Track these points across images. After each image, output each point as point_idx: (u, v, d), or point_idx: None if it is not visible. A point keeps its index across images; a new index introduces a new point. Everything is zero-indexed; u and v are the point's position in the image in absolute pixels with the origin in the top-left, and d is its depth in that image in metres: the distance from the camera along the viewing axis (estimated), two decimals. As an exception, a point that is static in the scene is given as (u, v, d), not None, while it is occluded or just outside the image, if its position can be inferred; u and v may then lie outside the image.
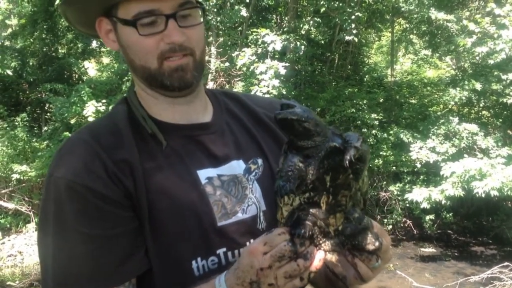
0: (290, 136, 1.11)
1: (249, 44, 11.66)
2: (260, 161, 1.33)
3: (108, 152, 1.17)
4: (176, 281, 1.18)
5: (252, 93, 9.77)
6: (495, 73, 11.16)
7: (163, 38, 1.19)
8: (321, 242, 1.09)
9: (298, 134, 1.08)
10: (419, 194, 10.49)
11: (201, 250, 1.19)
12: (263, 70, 10.09)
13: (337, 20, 11.65)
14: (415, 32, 14.54)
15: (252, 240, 1.23)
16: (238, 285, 1.07)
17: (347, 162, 1.02)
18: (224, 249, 1.21)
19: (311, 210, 1.09)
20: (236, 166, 1.30)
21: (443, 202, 10.33)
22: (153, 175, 1.19)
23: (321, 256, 1.08)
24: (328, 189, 1.08)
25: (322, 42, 13.62)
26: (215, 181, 1.25)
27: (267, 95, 9.85)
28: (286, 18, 13.52)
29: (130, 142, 1.21)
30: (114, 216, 1.15)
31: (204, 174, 1.24)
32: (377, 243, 1.11)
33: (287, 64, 10.48)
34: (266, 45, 10.56)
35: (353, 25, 11.53)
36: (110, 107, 1.40)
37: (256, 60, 10.54)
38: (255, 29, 11.42)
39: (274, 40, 10.48)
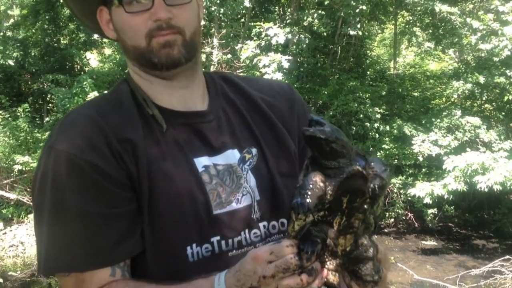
0: (315, 153, 1.09)
1: (252, 36, 11.62)
2: (254, 150, 1.32)
3: (114, 130, 1.17)
4: (170, 265, 1.18)
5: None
6: (502, 69, 11.12)
7: (150, 16, 1.19)
8: (327, 260, 1.09)
9: (324, 153, 1.07)
10: (422, 189, 10.48)
11: (196, 237, 1.19)
12: (266, 64, 10.07)
13: (341, 13, 11.61)
14: (418, 24, 14.47)
15: (247, 230, 1.24)
16: (237, 287, 1.07)
17: (370, 190, 1.02)
18: (218, 238, 1.21)
19: (322, 227, 1.08)
20: (231, 156, 1.29)
21: (446, 196, 10.34)
22: (155, 159, 1.19)
23: (325, 275, 1.08)
24: (343, 210, 1.07)
25: (325, 34, 13.56)
26: (211, 170, 1.25)
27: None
28: (289, 10, 13.46)
29: (136, 122, 1.21)
30: (114, 195, 1.14)
31: (200, 162, 1.24)
32: (376, 277, 1.11)
33: (290, 58, 10.45)
34: (269, 37, 10.53)
35: (357, 19, 11.48)
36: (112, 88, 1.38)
37: (259, 53, 10.51)
38: (258, 22, 11.39)
39: (277, 33, 10.45)
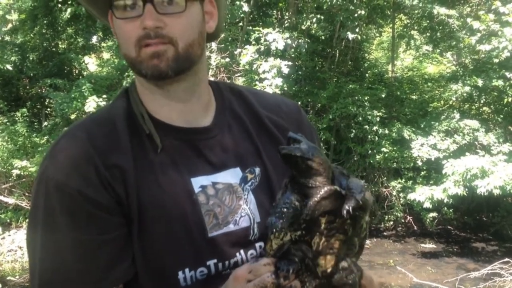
0: (293, 171, 1.09)
1: (250, 41, 11.63)
2: (257, 170, 1.28)
3: (102, 156, 1.14)
4: None
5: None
6: (501, 72, 11.12)
7: (141, 24, 1.13)
8: (306, 280, 1.07)
9: (301, 171, 1.06)
10: (421, 194, 10.48)
11: (190, 261, 1.17)
12: (266, 69, 10.08)
13: (340, 17, 11.63)
14: (416, 27, 14.50)
15: (242, 251, 1.22)
16: None
17: (345, 212, 1.00)
18: (215, 260, 1.19)
19: (301, 246, 1.07)
20: (233, 174, 1.26)
21: (446, 200, 10.34)
22: (145, 183, 1.17)
23: None
24: (322, 231, 1.05)
25: (323, 37, 13.57)
26: (209, 190, 1.22)
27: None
28: (287, 14, 13.47)
29: (126, 146, 1.18)
30: (103, 222, 1.13)
31: (198, 182, 1.21)
32: None
33: (289, 63, 10.47)
34: (268, 43, 10.55)
35: (355, 23, 11.50)
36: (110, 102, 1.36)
37: (258, 57, 10.53)
38: (257, 27, 11.40)
39: (276, 39, 10.47)
